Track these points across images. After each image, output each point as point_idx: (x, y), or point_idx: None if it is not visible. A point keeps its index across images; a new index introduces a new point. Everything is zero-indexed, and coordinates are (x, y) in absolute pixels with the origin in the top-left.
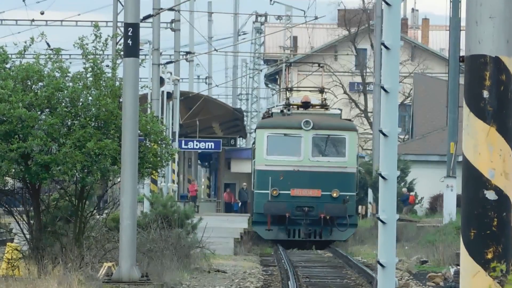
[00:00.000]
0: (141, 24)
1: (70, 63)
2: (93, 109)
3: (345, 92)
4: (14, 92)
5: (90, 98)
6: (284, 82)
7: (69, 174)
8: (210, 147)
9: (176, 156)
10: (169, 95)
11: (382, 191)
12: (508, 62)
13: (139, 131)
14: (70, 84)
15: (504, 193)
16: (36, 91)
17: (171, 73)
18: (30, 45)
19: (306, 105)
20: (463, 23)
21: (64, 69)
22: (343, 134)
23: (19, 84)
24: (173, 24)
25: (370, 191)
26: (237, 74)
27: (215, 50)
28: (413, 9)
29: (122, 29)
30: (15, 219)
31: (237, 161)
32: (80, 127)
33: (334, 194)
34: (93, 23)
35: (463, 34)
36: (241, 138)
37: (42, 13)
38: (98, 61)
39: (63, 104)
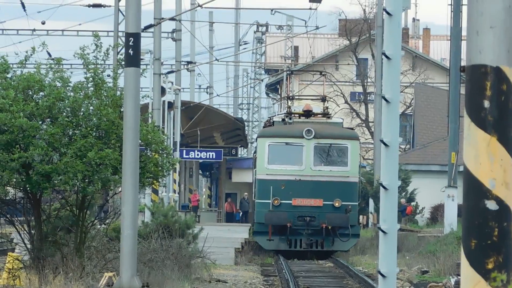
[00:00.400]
0: (142, 34)
1: (71, 73)
2: (94, 119)
3: (346, 102)
4: (15, 102)
5: (91, 108)
6: (285, 91)
7: (70, 183)
8: (211, 157)
9: (177, 166)
10: (170, 105)
11: (383, 201)
12: (509, 72)
13: (140, 141)
14: (71, 94)
15: (504, 203)
16: (37, 100)
17: (172, 83)
18: (31, 54)
19: (307, 113)
20: (464, 33)
21: (65, 79)
22: (345, 143)
23: (20, 93)
24: (174, 34)
25: (371, 201)
26: (238, 84)
27: (216, 59)
28: (414, 19)
29: (123, 38)
30: (16, 229)
31: (238, 171)
32: (81, 136)
33: (336, 204)
34: (94, 33)
35: (464, 44)
36: (242, 148)
37: (43, 23)
38: (99, 71)
39: (64, 114)
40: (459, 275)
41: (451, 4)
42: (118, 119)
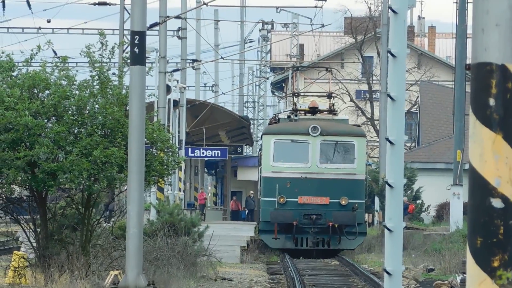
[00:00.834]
0: (148, 32)
1: (77, 71)
2: (100, 117)
3: (351, 100)
4: (21, 100)
5: (96, 106)
6: (291, 88)
7: (76, 182)
8: (216, 155)
9: (183, 164)
10: (176, 103)
11: (389, 199)
12: None
13: (145, 139)
14: (77, 92)
15: (510, 201)
16: (42, 99)
17: (177, 81)
18: (36, 53)
19: (313, 110)
20: (469, 31)
21: (70, 77)
22: (351, 140)
23: (26, 92)
24: (180, 32)
25: (376, 199)
26: (243, 82)
27: (221, 58)
28: (419, 17)
29: (129, 37)
30: (22, 227)
31: (244, 169)
32: (86, 135)
33: (343, 202)
34: (100, 31)
35: (469, 42)
36: (247, 146)
37: (48, 21)
38: (105, 69)
39: (70, 112)
40: (465, 273)
41: (456, 2)
42: (123, 118)
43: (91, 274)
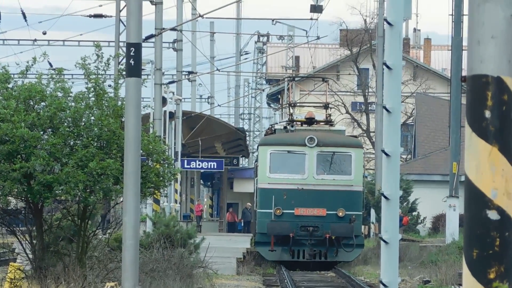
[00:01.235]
0: (144, 44)
1: (73, 83)
2: (96, 129)
3: (347, 112)
4: (17, 112)
5: (92, 118)
6: (287, 99)
7: (72, 193)
8: (212, 166)
9: (179, 176)
10: (172, 115)
11: (385, 211)
12: (510, 82)
13: (141, 151)
14: (73, 104)
15: (506, 213)
16: (38, 111)
17: (173, 93)
18: (32, 65)
19: (310, 121)
20: (465, 43)
21: (66, 89)
22: (348, 151)
23: (22, 104)
24: (175, 44)
25: (372, 211)
26: (239, 94)
27: (217, 69)
28: (415, 29)
29: (124, 49)
30: (18, 239)
31: (240, 181)
32: (82, 147)
33: (340, 214)
34: (95, 43)
35: (465, 54)
36: (243, 158)
37: (44, 33)
38: (100, 81)
39: (66, 124)
40: (461, 284)
41: (452, 14)
42: (119, 129)
43: (87, 285)
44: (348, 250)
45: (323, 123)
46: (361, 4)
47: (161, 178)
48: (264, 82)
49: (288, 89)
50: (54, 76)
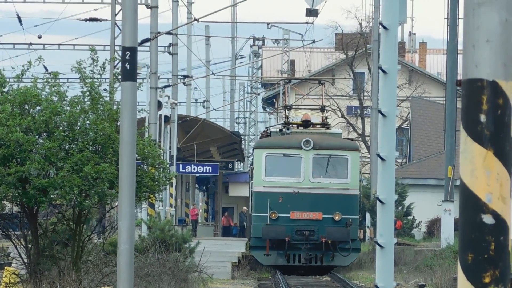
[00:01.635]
0: (139, 48)
1: (68, 87)
2: (91, 133)
3: (342, 116)
4: (12, 116)
5: (87, 122)
6: (282, 102)
7: (67, 198)
8: (207, 171)
9: (174, 180)
10: (167, 119)
11: (380, 215)
12: (505, 86)
13: (136, 155)
14: (68, 108)
15: (501, 217)
16: (33, 115)
17: (168, 97)
18: (27, 69)
19: (306, 124)
20: (460, 47)
21: (61, 93)
22: (345, 154)
23: (17, 108)
24: (171, 48)
25: (367, 215)
26: (234, 98)
27: (212, 74)
28: (410, 33)
29: (120, 52)
30: (13, 243)
31: (235, 185)
32: (77, 151)
33: (336, 217)
34: (91, 47)
35: (460, 58)
36: (239, 162)
37: (39, 37)
38: (96, 85)
39: (61, 128)
40: None
41: (447, 18)
42: (114, 133)
43: None
44: (344, 254)
45: (319, 126)
46: (357, 8)
47: (156, 182)
48: (259, 86)
49: (283, 93)
50: (49, 80)
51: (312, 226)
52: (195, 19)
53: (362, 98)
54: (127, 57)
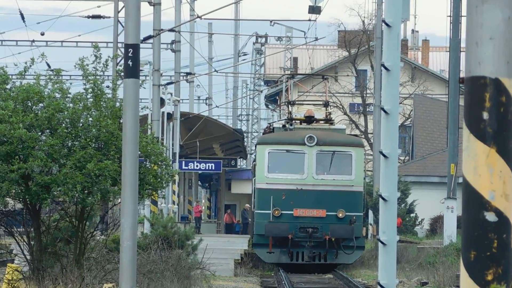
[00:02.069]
0: (142, 45)
1: (71, 84)
2: (94, 130)
3: (345, 113)
4: (15, 113)
5: (90, 119)
6: (285, 97)
7: (70, 195)
8: (210, 168)
9: (177, 177)
10: (170, 116)
11: (383, 212)
12: (508, 84)
13: (139, 152)
14: (71, 105)
15: (504, 215)
16: (36, 112)
17: (171, 94)
18: (30, 66)
19: (309, 119)
20: (463, 44)
21: (64, 90)
22: (349, 150)
23: (20, 105)
24: (174, 45)
25: (370, 212)
26: (237, 95)
27: (215, 71)
28: (413, 30)
29: (123, 50)
30: (16, 240)
31: (238, 182)
32: (80, 148)
33: (340, 215)
34: (94, 44)
35: (463, 55)
36: (241, 159)
37: (42, 34)
38: (99, 82)
39: (64, 125)
40: (458, 286)
41: (450, 16)
42: (117, 131)
43: (85, 287)
44: (348, 252)
45: (323, 122)
46: (359, 5)
47: (159, 180)
48: (262, 83)
49: (286, 90)
50: (52, 77)
51: (315, 224)
52: (198, 16)
53: (364, 95)
54: (129, 54)
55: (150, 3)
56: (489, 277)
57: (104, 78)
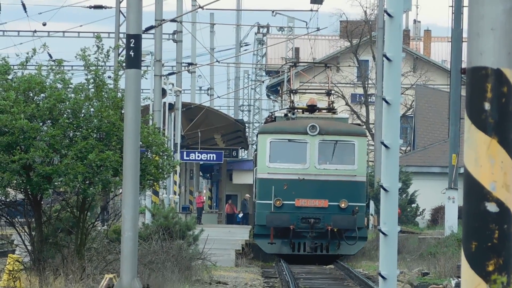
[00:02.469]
0: (143, 35)
1: (72, 74)
2: (95, 121)
3: (347, 104)
4: (16, 103)
5: (92, 109)
6: (287, 86)
7: (71, 185)
8: (212, 158)
9: (178, 168)
10: (171, 106)
11: (384, 203)
12: (509, 74)
13: (140, 143)
14: (72, 95)
15: (505, 205)
16: (38, 102)
17: (173, 84)
18: (32, 56)
19: (312, 108)
20: (465, 35)
21: (66, 81)
22: (352, 139)
23: (21, 95)
24: (175, 35)
25: (371, 203)
26: (239, 86)
27: (217, 61)
28: (415, 21)
29: (124, 40)
30: (17, 230)
31: (239, 173)
32: (82, 138)
33: (343, 205)
34: (95, 34)
35: (465, 45)
36: (243, 150)
37: (44, 24)
38: (100, 72)
39: (65, 115)
40: (459, 277)
41: (452, 6)
42: (119, 121)
43: (86, 277)
44: (350, 243)
45: (325, 111)
46: None
47: (160, 170)
48: (263, 73)
49: (288, 81)
50: (53, 67)
51: (317, 214)
52: (200, 7)
53: (366, 86)
54: (131, 45)
55: None
56: (490, 268)
57: (106, 68)
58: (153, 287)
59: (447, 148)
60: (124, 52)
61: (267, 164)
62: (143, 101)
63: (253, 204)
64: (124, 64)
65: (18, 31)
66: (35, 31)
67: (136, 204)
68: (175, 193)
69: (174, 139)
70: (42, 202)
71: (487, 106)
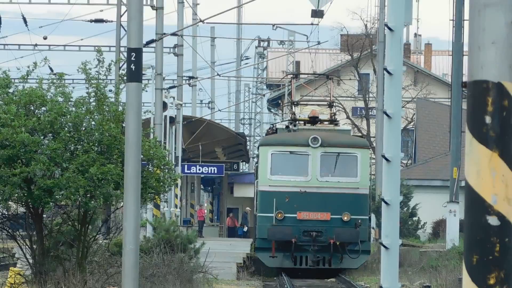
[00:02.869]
0: (144, 49)
1: (73, 88)
2: (96, 134)
3: (347, 117)
4: (17, 117)
5: (93, 123)
6: (287, 98)
7: (72, 198)
8: (213, 171)
9: (179, 181)
10: (172, 120)
11: (385, 216)
12: (510, 88)
13: (142, 156)
14: (73, 109)
15: (506, 218)
16: (39, 115)
17: (174, 98)
18: (33, 69)
19: (313, 120)
20: (466, 48)
21: (67, 94)
22: (354, 152)
23: (22, 108)
24: (176, 49)
25: (373, 216)
26: (240, 99)
27: (217, 74)
28: (415, 34)
29: (125, 54)
30: (18, 243)
31: (240, 186)
32: (83, 152)
33: (345, 218)
34: (96, 48)
35: (466, 59)
36: (244, 163)
37: (45, 38)
38: (101, 86)
39: (66, 129)
40: None
41: (453, 20)
42: (120, 134)
43: None
44: (353, 256)
45: (327, 123)
46: (362, 9)
47: (162, 183)
48: (264, 87)
49: (289, 94)
50: (54, 81)
51: (320, 227)
52: (201, 20)
53: (367, 99)
54: (132, 58)
55: (152, 7)
56: (492, 281)
57: (107, 82)
58: None
59: (448, 161)
60: (125, 65)
61: (269, 177)
62: (144, 114)
63: (254, 217)
64: (125, 78)
65: (19, 45)
66: (36, 45)
67: (138, 217)
68: (176, 206)
69: (175, 153)
70: (43, 215)
71: (488, 119)
